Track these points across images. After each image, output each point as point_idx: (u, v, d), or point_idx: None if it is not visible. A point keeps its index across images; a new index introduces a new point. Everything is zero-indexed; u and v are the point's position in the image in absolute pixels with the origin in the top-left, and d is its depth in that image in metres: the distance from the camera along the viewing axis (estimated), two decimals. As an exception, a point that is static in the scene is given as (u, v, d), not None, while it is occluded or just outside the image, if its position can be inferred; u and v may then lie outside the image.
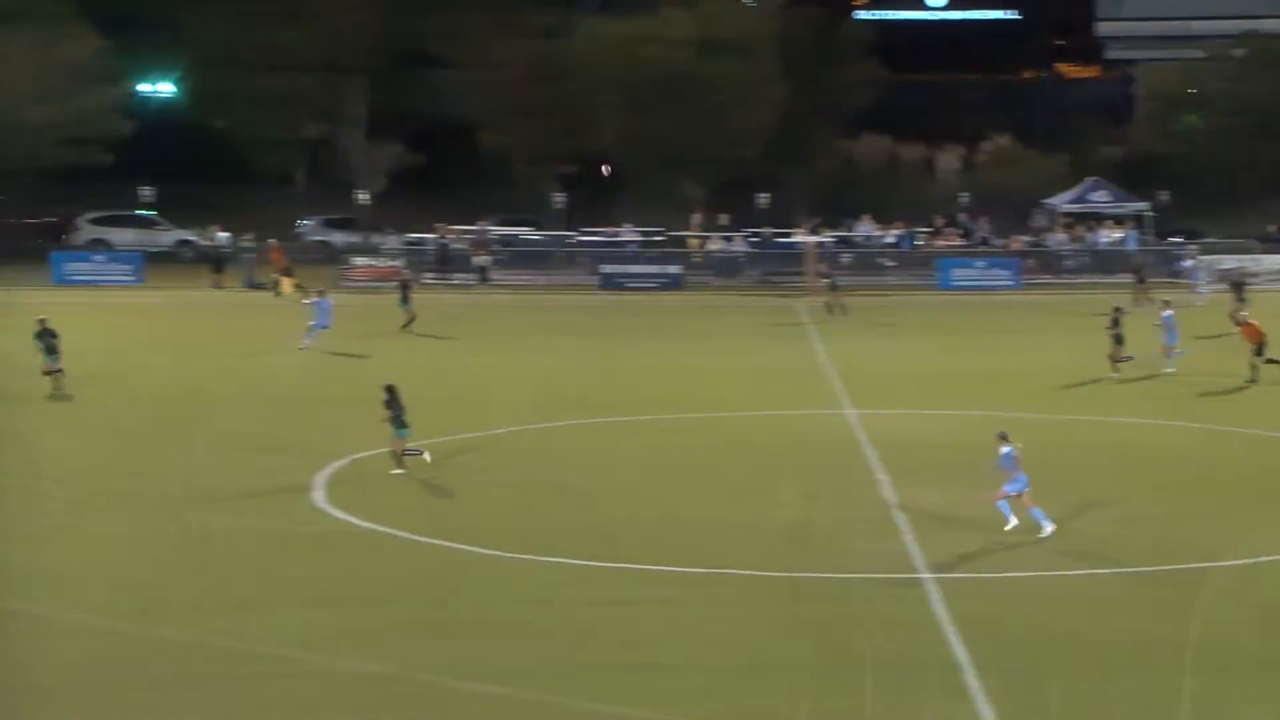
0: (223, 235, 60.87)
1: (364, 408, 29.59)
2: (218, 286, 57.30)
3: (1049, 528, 22.91)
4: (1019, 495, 23.26)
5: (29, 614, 19.52)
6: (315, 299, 42.66)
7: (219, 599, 20.13)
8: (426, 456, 27.45)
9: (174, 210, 68.17)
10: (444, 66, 77.40)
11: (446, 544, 22.57)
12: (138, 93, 76.19)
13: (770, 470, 27.42)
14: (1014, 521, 23.17)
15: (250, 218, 63.42)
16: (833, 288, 51.52)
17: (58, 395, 34.33)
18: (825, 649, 18.33)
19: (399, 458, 27.11)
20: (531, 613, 19.65)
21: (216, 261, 58.74)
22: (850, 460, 28.27)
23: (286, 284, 54.04)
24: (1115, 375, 37.05)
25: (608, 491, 26.20)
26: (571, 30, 74.84)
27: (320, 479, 26.46)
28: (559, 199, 70.80)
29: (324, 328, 41.54)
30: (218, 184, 69.76)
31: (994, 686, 16.91)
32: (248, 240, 58.80)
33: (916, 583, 20.75)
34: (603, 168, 78.39)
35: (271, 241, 58.22)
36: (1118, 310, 38.35)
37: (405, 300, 46.05)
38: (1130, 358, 37.35)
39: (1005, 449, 23.42)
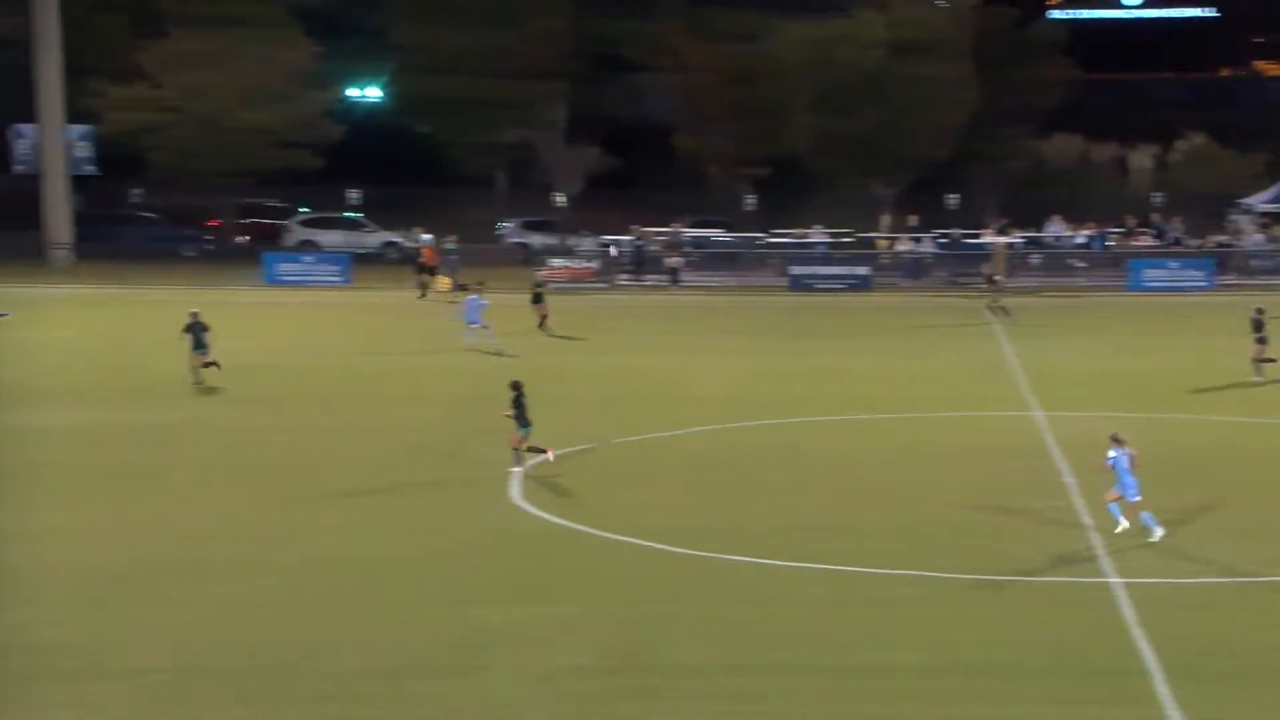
0: (426, 237, 62.09)
1: (560, 406, 30.14)
2: (454, 289, 58.52)
3: (1159, 532, 22.70)
4: (1131, 500, 23.03)
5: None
6: (470, 297, 43.26)
7: (430, 594, 20.64)
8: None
9: (380, 212, 69.80)
10: (640, 70, 78.19)
11: (643, 543, 22.88)
12: (347, 98, 77.93)
13: (958, 472, 27.40)
14: (1124, 524, 22.99)
15: (452, 220, 64.62)
16: (994, 289, 51.03)
17: (200, 387, 35.35)
18: (1012, 650, 18.41)
19: (518, 454, 27.33)
20: (738, 612, 19.87)
21: (420, 264, 59.92)
22: (1038, 462, 28.15)
23: (441, 283, 55.24)
24: (1259, 379, 36.38)
25: (800, 492, 26.33)
26: (765, 33, 75.07)
27: (517, 475, 26.97)
28: (750, 200, 71.06)
29: (473, 323, 42.09)
30: (422, 187, 71.17)
31: (1183, 694, 16.86)
32: (450, 242, 59.93)
33: (1104, 586, 20.70)
34: None
35: (426, 239, 59.49)
36: (1259, 311, 37.43)
37: (538, 299, 46.07)
38: (1273, 359, 36.63)
39: (1115, 452, 23.17)
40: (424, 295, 55.12)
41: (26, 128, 67.14)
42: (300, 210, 70.37)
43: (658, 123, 76.39)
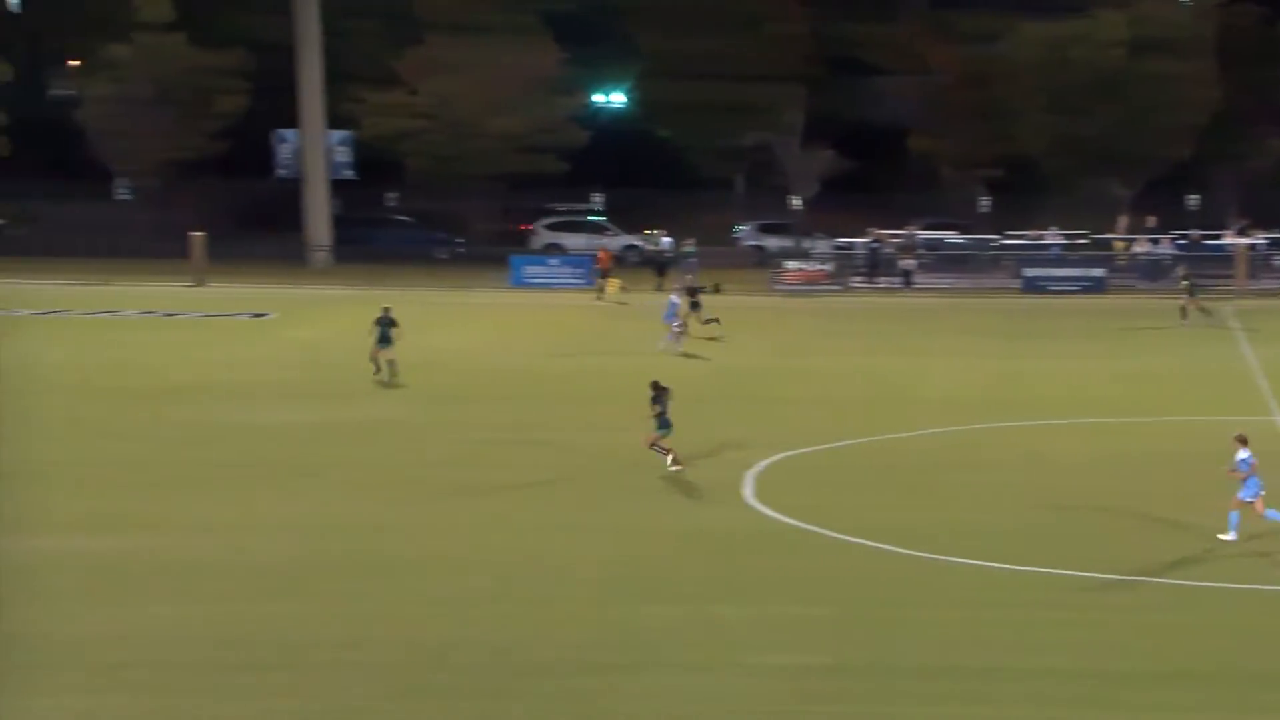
0: (666, 240, 63.04)
1: (791, 407, 30.60)
2: (660, 290, 59.46)
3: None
4: (1252, 502, 22.84)
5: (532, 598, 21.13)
6: (670, 297, 43.81)
7: (657, 592, 21.13)
8: (669, 461, 27.75)
9: (621, 216, 71.02)
10: (876, 73, 78.18)
11: (870, 543, 23.20)
12: (592, 103, 79.24)
13: (1194, 477, 26.92)
14: (1233, 535, 22.85)
15: (691, 223, 65.50)
16: (1191, 291, 49.93)
17: (382, 381, 36.43)
18: (1216, 658, 18.48)
19: (660, 450, 27.63)
20: (964, 614, 20.05)
21: (659, 265, 60.91)
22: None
23: (612, 285, 56.14)
24: None
25: (1030, 495, 26.38)
26: (1004, 34, 74.51)
27: (750, 476, 27.56)
28: (984, 202, 70.70)
29: (670, 321, 42.49)
30: (662, 190, 72.15)
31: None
32: (689, 245, 60.72)
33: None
34: None
35: (602, 241, 60.34)
36: None
37: (695, 306, 45.58)
38: None
39: (1242, 453, 23.03)
40: (600, 297, 56.05)
41: (289, 133, 69.34)
42: (590, 214, 71.68)
43: (893, 125, 76.23)
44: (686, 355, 41.24)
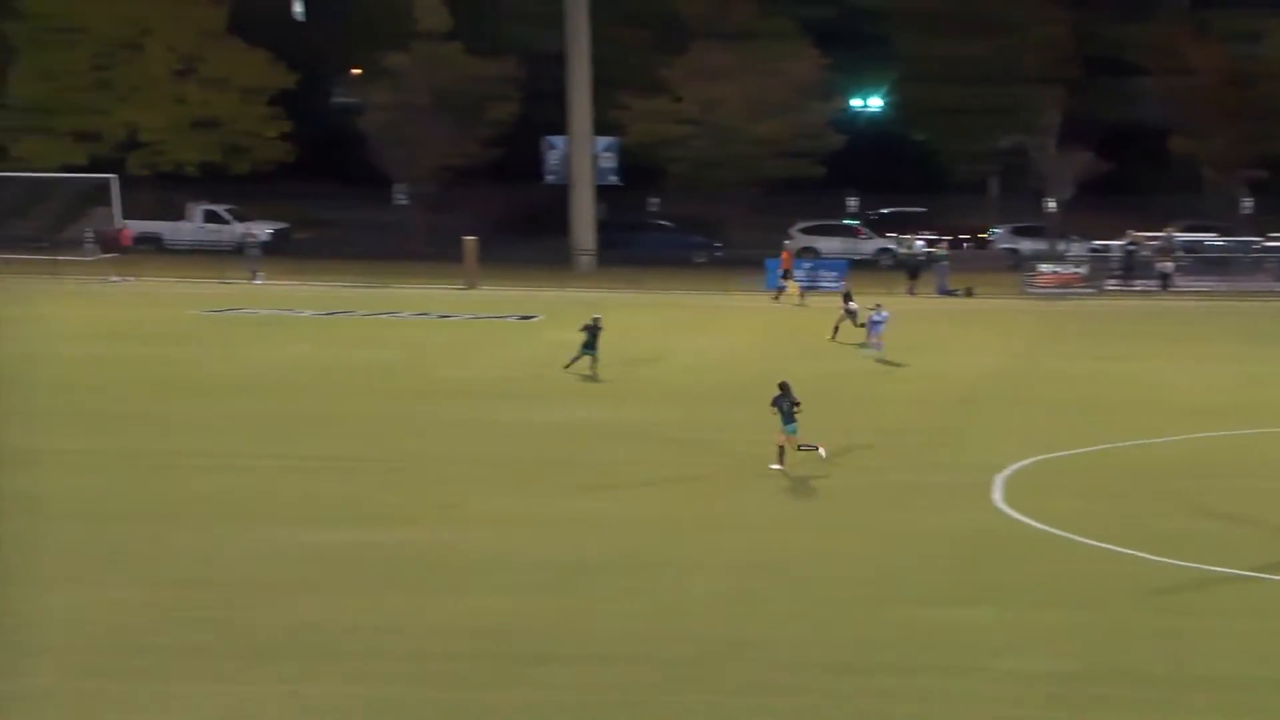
0: (919, 244, 63.28)
1: (1044, 410, 30.77)
2: (911, 293, 59.81)
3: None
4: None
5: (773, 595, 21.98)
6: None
7: (905, 594, 21.57)
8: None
9: (875, 220, 71.42)
10: (1136, 73, 77.14)
11: (1126, 550, 23.27)
12: (850, 108, 79.73)
13: None
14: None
15: (945, 227, 65.64)
16: None
17: (580, 377, 37.76)
18: None
19: (782, 452, 28.25)
20: (1225, 624, 20.14)
21: (912, 269, 61.21)
22: None
23: (792, 289, 56.41)
24: None
25: (1270, 502, 26.25)
26: (1264, 33, 72.98)
27: (999, 480, 27.80)
28: (1247, 204, 69.35)
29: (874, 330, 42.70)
30: (916, 194, 72.31)
31: None
32: (941, 249, 60.84)
33: None
34: None
35: (787, 242, 60.72)
36: None
37: (851, 313, 44.86)
38: None
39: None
40: (777, 298, 56.59)
41: (558, 139, 71.11)
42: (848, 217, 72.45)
43: (1151, 126, 75.21)
44: (930, 359, 41.71)
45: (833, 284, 61.25)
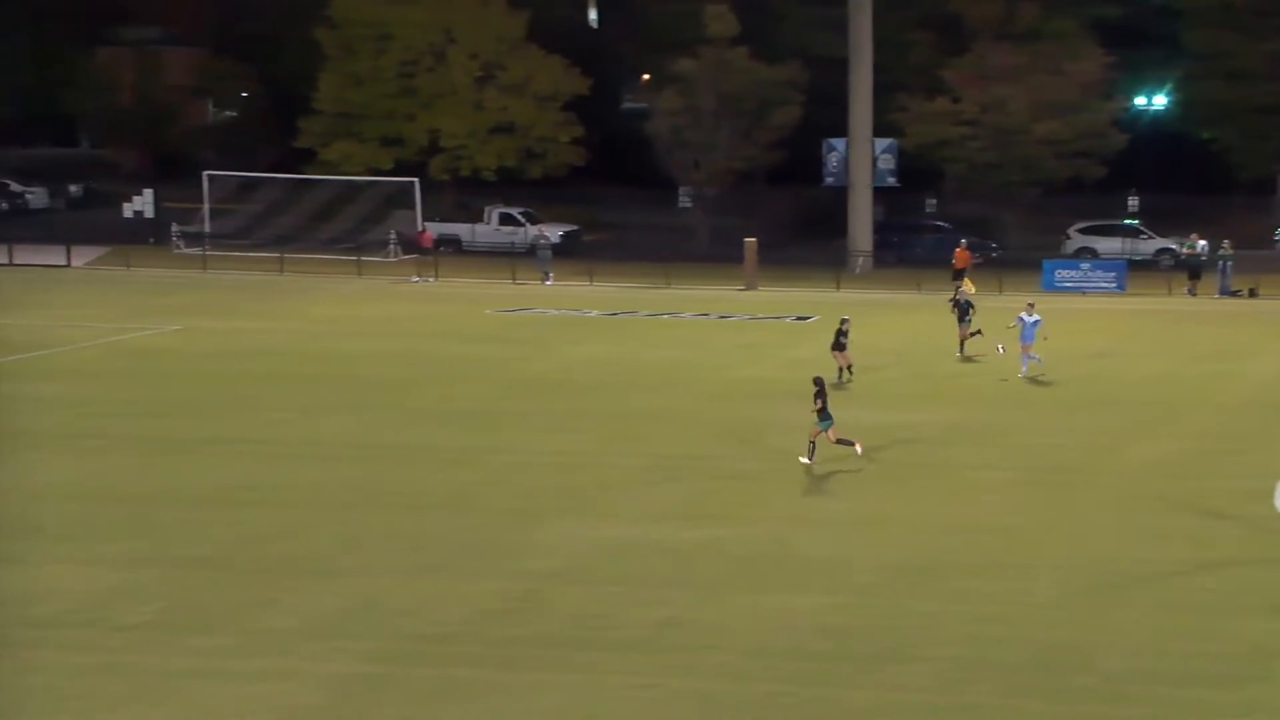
0: (1201, 244, 62.45)
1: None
2: (1192, 294, 59.17)
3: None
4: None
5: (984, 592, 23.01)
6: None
7: (1212, 603, 22.32)
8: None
9: (1156, 220, 70.51)
10: None
11: None
12: (1133, 106, 78.74)
13: None
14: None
15: (1227, 227, 64.57)
16: None
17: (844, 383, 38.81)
18: None
19: (812, 446, 29.86)
20: None
21: (1193, 269, 60.52)
22: None
23: (968, 285, 55.43)
24: None
25: None
26: None
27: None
28: None
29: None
30: (1197, 194, 71.14)
31: None
32: (1224, 249, 60.03)
33: None
34: None
35: (963, 241, 59.85)
36: None
37: (963, 317, 44.10)
38: None
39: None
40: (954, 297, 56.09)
41: (838, 142, 71.94)
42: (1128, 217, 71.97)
43: None
44: (1214, 361, 41.72)
45: (1108, 285, 61.06)
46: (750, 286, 60.85)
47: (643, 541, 25.53)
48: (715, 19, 72.50)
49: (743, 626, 21.45)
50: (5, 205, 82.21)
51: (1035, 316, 39.15)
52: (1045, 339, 39.27)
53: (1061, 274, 62.05)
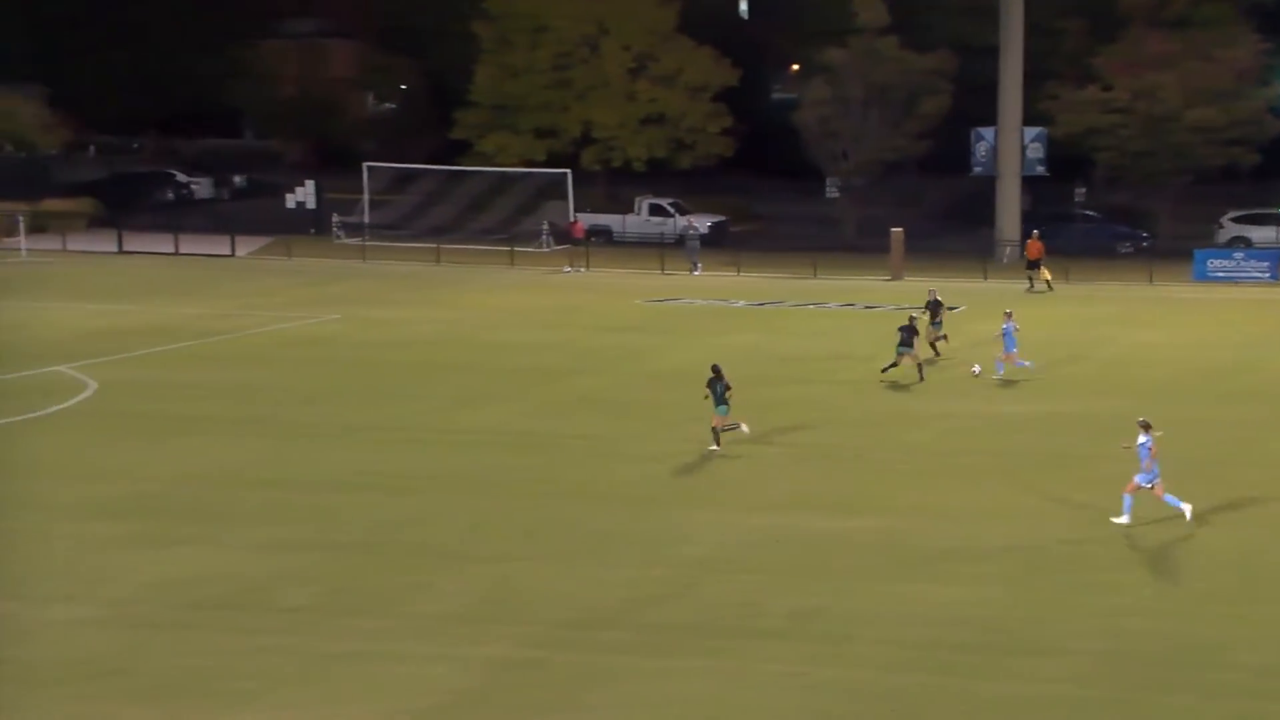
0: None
1: None
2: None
3: (1187, 510, 23.88)
4: (1150, 487, 23.47)
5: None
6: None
7: None
8: (744, 428, 30.89)
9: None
10: None
11: None
12: (1287, 93, 77.13)
13: None
14: (1126, 519, 23.85)
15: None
16: None
17: (931, 362, 38.99)
18: None
19: (717, 434, 30.60)
20: None
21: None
22: None
23: (1043, 274, 55.98)
24: None
25: None
26: None
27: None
28: None
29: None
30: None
31: None
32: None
33: None
34: None
35: (1035, 232, 58.76)
36: None
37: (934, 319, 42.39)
38: None
39: (1142, 438, 23.62)
40: (1031, 288, 56.52)
41: (987, 131, 71.20)
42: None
43: None
44: None
45: (1262, 275, 59.98)
46: (896, 276, 60.59)
47: (785, 530, 25.72)
48: (865, 8, 72.13)
49: (884, 616, 21.60)
50: (172, 196, 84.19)
51: (1012, 324, 38.75)
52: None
53: (1214, 264, 61.04)
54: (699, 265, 62.66)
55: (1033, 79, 69.51)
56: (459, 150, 79.15)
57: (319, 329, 47.94)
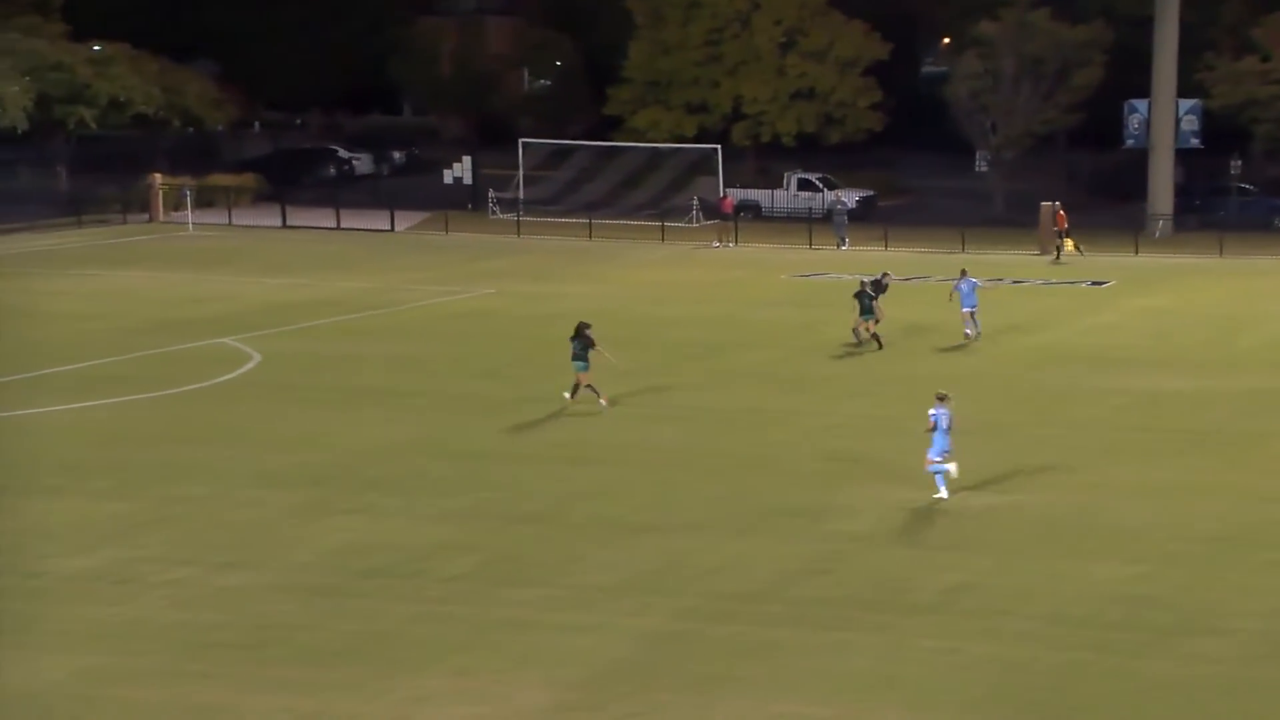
0: None
1: None
2: None
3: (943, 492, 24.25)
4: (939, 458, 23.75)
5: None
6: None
7: None
8: (602, 402, 32.04)
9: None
10: None
11: None
12: None
13: None
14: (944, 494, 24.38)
15: None
16: None
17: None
18: None
19: (575, 389, 32.22)
20: None
21: None
22: None
23: (1069, 245, 56.03)
24: None
25: None
26: None
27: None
28: None
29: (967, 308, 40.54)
30: None
31: None
32: None
33: None
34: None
35: (1054, 204, 57.18)
36: None
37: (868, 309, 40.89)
38: None
39: (932, 411, 24.08)
40: (1057, 259, 56.69)
41: (1140, 103, 69.84)
42: None
43: None
44: None
45: None
46: (1045, 251, 59.73)
47: (941, 506, 25.60)
48: (1024, -21, 71.07)
49: (1040, 593, 21.49)
50: (334, 172, 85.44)
51: (972, 280, 40.15)
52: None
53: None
54: (846, 240, 62.30)
55: (1188, 50, 67.95)
56: (611, 126, 79.37)
57: (476, 303, 48.51)
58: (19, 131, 70.77)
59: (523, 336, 42.09)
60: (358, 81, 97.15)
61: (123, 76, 74.84)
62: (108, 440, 30.60)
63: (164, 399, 34.30)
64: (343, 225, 68.00)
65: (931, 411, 25.32)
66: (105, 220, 69.16)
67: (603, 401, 32.52)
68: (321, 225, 67.98)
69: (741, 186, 73.41)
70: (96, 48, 76.28)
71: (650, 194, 73.09)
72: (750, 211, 71.29)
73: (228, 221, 69.15)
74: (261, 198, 75.19)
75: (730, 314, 45.83)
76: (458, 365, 38.19)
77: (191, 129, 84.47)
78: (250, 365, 38.01)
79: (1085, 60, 71.20)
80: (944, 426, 25.11)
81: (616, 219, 68.51)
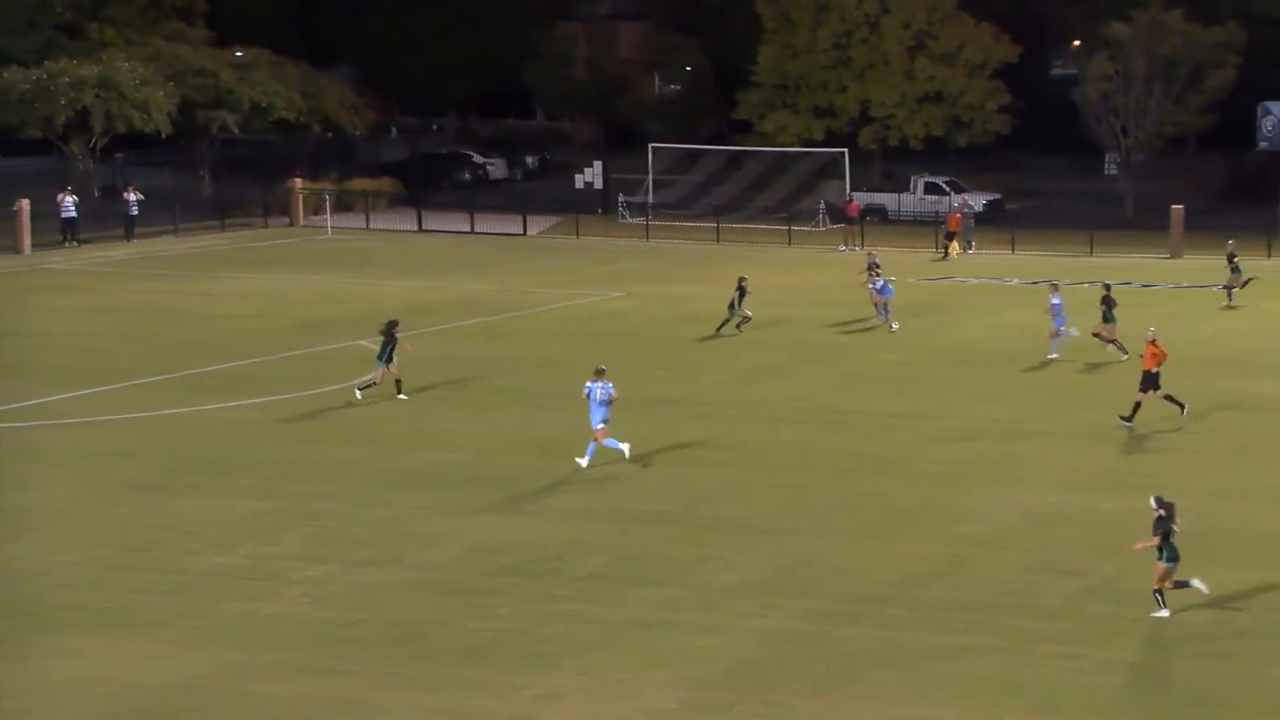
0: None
1: None
2: None
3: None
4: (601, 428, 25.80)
5: None
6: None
7: None
8: (376, 381, 33.56)
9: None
10: None
11: None
12: None
13: None
14: (585, 462, 26.62)
15: None
16: None
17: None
18: None
19: (377, 382, 33.59)
20: None
21: None
22: None
23: (955, 247, 56.91)
24: None
25: None
26: None
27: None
28: None
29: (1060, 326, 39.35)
30: None
31: None
32: None
33: None
34: None
35: (954, 204, 55.91)
36: None
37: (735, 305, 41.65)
38: None
39: (587, 385, 26.64)
40: (945, 258, 57.50)
41: (1274, 105, 68.48)
42: None
43: None
44: None
45: None
46: (1175, 254, 58.72)
47: (1067, 510, 25.45)
48: (1158, -21, 69.94)
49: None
50: (468, 176, 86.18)
51: (882, 280, 42.01)
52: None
53: None
54: (973, 243, 61.70)
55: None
56: (740, 130, 79.20)
57: (607, 305, 48.75)
58: (164, 136, 72.25)
59: (651, 338, 42.23)
60: (492, 86, 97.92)
61: (264, 82, 76.09)
62: (250, 438, 31.20)
63: (304, 399, 34.87)
64: (477, 229, 68.55)
65: (586, 385, 27.60)
66: (247, 224, 70.35)
67: (370, 383, 34.00)
68: (456, 229, 68.59)
69: (868, 190, 72.95)
70: (239, 54, 77.63)
71: (777, 197, 72.86)
72: (876, 215, 70.82)
73: (365, 225, 70.03)
74: (398, 201, 76.03)
75: (855, 316, 45.61)
76: (589, 366, 38.31)
77: (330, 134, 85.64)
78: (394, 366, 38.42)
79: (1218, 61, 69.91)
80: (597, 399, 27.30)
81: (744, 222, 68.40)
